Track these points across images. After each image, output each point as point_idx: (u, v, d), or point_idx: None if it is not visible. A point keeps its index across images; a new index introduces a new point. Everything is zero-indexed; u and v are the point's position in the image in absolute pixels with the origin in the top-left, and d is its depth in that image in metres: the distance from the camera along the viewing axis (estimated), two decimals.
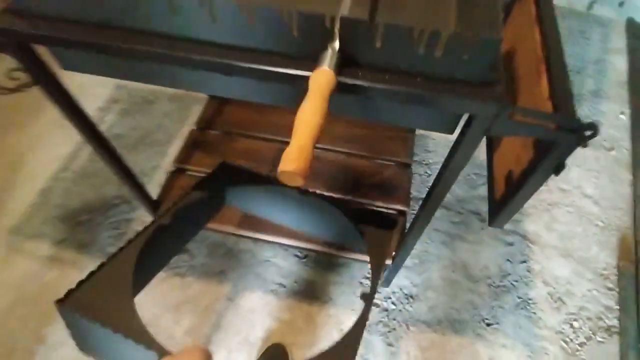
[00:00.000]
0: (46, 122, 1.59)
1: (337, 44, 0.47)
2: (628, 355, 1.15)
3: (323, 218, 0.86)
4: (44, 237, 1.31)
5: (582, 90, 1.76)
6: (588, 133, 0.49)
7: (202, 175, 1.21)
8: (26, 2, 0.55)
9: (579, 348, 1.17)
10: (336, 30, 0.46)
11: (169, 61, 0.54)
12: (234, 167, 0.89)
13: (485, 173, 0.96)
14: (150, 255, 0.74)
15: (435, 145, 1.56)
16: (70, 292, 0.66)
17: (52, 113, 1.61)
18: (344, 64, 0.49)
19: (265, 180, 0.85)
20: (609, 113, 1.69)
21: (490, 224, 0.74)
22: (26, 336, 1.14)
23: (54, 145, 1.52)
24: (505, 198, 0.69)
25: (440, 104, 0.50)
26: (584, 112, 1.69)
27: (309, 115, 0.38)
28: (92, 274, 0.69)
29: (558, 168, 0.54)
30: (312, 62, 0.48)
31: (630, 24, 1.98)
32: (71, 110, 0.76)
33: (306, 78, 0.47)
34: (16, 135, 1.55)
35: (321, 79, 0.42)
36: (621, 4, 1.95)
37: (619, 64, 1.86)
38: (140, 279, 0.73)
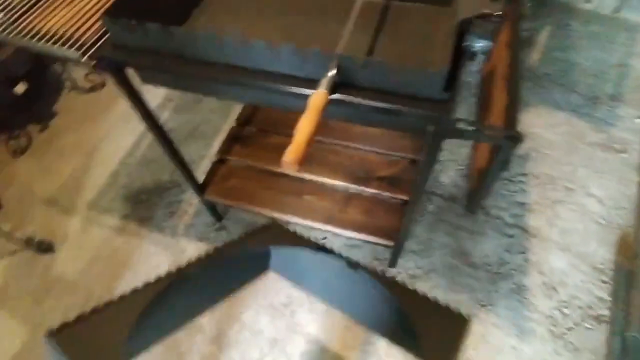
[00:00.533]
0: (114, 117, 1.91)
1: (334, 72, 0.67)
2: (613, 341, 1.26)
3: (372, 301, 0.72)
4: (113, 211, 1.61)
5: (599, 93, 1.82)
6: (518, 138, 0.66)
7: (240, 164, 1.45)
8: (122, 40, 0.79)
9: (566, 332, 1.29)
10: (333, 63, 0.66)
11: (224, 82, 0.76)
12: (282, 228, 0.78)
13: None
14: (162, 308, 0.65)
15: (447, 144, 1.70)
16: (64, 326, 0.59)
17: (119, 110, 1.93)
18: (340, 84, 0.69)
19: (313, 246, 0.74)
20: (624, 116, 1.74)
21: (466, 208, 0.90)
22: (100, 287, 1.44)
23: (120, 137, 1.83)
24: (476, 188, 0.86)
25: (407, 114, 0.68)
26: (600, 114, 1.76)
27: (305, 126, 0.58)
28: (94, 311, 0.63)
29: (504, 164, 0.71)
30: (317, 83, 0.68)
31: None
32: (142, 109, 1.00)
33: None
34: (91, 127, 1.88)
35: (317, 99, 0.62)
36: None
37: None
38: (143, 339, 0.64)
